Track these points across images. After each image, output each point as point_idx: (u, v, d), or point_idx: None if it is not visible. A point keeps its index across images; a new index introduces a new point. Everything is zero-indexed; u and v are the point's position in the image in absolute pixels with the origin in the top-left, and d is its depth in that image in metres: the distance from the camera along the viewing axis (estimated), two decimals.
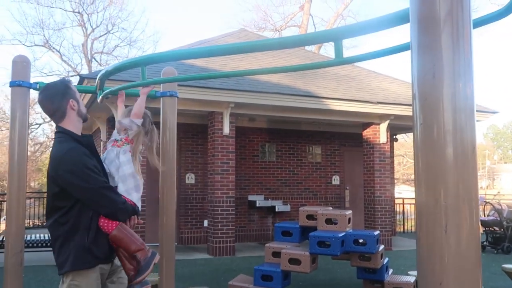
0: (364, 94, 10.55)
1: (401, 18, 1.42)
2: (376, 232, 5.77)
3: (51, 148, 2.68)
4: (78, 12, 26.10)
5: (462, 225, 0.97)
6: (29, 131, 3.76)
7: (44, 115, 21.90)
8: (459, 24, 1.02)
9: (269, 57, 11.47)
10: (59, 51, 26.43)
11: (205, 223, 10.42)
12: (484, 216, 10.98)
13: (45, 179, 2.68)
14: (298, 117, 10.29)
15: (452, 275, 0.95)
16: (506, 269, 6.15)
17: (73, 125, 2.63)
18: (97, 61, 27.25)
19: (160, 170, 2.99)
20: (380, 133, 10.72)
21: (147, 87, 3.07)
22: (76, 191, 2.45)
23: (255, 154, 11.67)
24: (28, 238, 8.13)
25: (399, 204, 15.22)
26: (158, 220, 3.72)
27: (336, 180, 12.53)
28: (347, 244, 5.60)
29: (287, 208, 11.30)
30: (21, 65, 3.41)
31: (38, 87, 3.25)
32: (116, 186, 2.69)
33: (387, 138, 10.84)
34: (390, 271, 6.30)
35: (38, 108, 19.32)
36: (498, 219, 10.42)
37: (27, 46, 25.81)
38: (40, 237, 8.30)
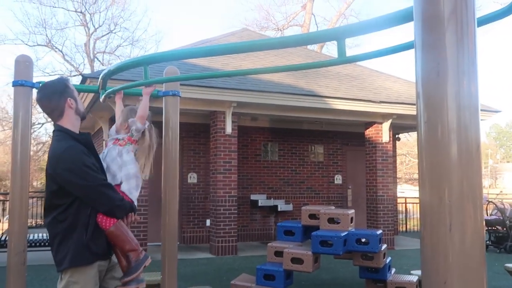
0: (367, 93, 10.53)
1: (404, 17, 1.42)
2: (379, 232, 5.76)
3: (49, 147, 2.69)
4: (81, 12, 26.15)
5: (467, 224, 0.96)
6: (32, 131, 3.76)
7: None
8: (463, 22, 1.02)
9: (271, 56, 11.47)
10: (61, 51, 26.49)
11: (207, 222, 10.42)
12: (487, 215, 10.96)
13: None
14: (300, 116, 10.28)
15: (456, 274, 0.95)
16: (509, 268, 6.13)
17: (71, 123, 2.65)
18: (99, 61, 27.30)
19: (146, 177, 2.98)
20: (382, 132, 10.71)
21: (149, 87, 3.07)
22: (75, 189, 2.47)
23: (257, 153, 11.67)
24: (31, 237, 8.16)
25: (402, 203, 15.20)
26: (160, 219, 3.73)
27: (338, 179, 12.52)
28: (349, 243, 5.59)
29: (290, 207, 11.30)
30: (23, 64, 3.42)
31: None
32: (117, 184, 2.72)
33: (390, 137, 10.82)
34: (393, 270, 6.28)
35: None
36: (501, 218, 10.40)
37: (30, 46, 25.87)
38: (42, 236, 8.32)
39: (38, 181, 28.38)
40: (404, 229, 14.39)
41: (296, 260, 5.53)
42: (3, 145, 28.67)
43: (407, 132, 14.19)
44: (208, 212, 10.38)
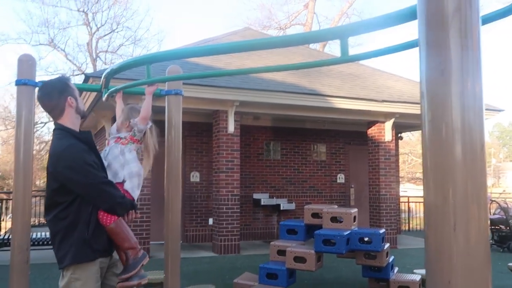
0: (369, 92, 10.52)
1: (408, 15, 1.41)
2: (382, 230, 5.75)
3: (50, 145, 2.71)
4: (83, 11, 26.17)
5: (471, 224, 0.96)
6: (34, 130, 3.77)
7: None
8: (468, 21, 1.01)
9: (273, 55, 11.45)
10: (64, 50, 26.54)
11: (210, 221, 10.42)
12: (490, 214, 10.93)
13: None
14: (303, 115, 10.27)
15: (461, 273, 0.95)
16: None
17: (71, 122, 2.66)
18: (101, 60, 27.33)
19: (144, 174, 3.00)
20: (385, 131, 10.69)
21: (152, 86, 3.07)
22: (76, 186, 2.48)
23: (259, 152, 11.66)
24: (34, 236, 8.17)
25: (404, 202, 15.18)
26: (163, 218, 3.73)
27: (341, 178, 12.51)
28: (352, 242, 5.58)
29: (292, 206, 11.29)
30: (26, 64, 3.42)
31: None
32: (119, 182, 2.74)
33: (392, 136, 10.80)
34: (396, 269, 6.28)
35: None
36: (504, 217, 10.38)
37: (32, 45, 25.97)
38: (46, 235, 8.33)
39: (41, 180, 28.44)
40: (406, 228, 14.38)
41: (299, 259, 5.53)
42: (6, 144, 28.76)
43: (410, 131, 14.18)
44: (210, 211, 10.38)
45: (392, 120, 10.61)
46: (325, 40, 2.04)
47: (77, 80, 23.89)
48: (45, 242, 8.02)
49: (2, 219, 13.28)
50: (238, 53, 9.93)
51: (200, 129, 10.84)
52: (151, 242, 8.77)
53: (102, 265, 2.62)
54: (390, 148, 10.76)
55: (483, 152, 0.98)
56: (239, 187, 9.50)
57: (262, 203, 11.08)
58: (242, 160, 10.34)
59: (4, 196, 17.44)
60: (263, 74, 9.80)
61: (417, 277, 5.94)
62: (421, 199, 16.75)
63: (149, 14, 57.29)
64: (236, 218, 9.33)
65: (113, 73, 2.83)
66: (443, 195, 0.97)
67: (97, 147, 2.76)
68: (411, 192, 24.16)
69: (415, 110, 10.23)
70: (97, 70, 22.72)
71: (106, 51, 27.57)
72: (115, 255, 2.74)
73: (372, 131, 10.90)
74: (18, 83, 3.39)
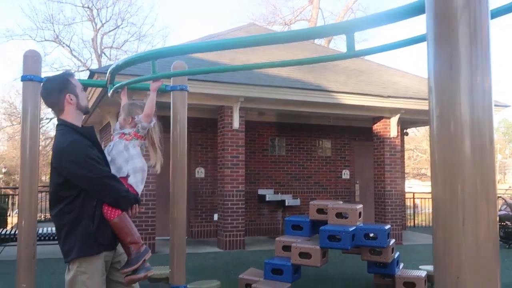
0: (375, 88, 10.48)
1: (415, 9, 1.40)
2: (387, 226, 5.74)
3: (53, 140, 2.74)
4: (88, 7, 26.22)
5: (480, 220, 0.95)
6: (40, 126, 3.79)
7: None
8: (477, 15, 1.00)
9: (278, 51, 11.43)
10: (69, 46, 26.62)
11: (215, 217, 10.44)
12: None
13: None
14: (308, 111, 10.25)
15: (469, 269, 0.94)
16: None
17: (73, 117, 2.69)
18: (106, 56, 27.38)
19: (157, 170, 3.02)
20: (390, 127, 10.65)
21: (157, 82, 3.07)
22: (81, 181, 2.51)
23: (264, 148, 11.66)
24: (40, 231, 8.21)
25: (410, 198, 15.14)
26: (168, 213, 3.73)
27: (346, 174, 12.49)
28: (357, 238, 5.57)
29: (297, 202, 11.29)
30: (32, 59, 3.43)
31: None
32: (122, 177, 2.76)
33: (398, 132, 10.77)
34: (401, 265, 6.27)
35: None
36: (510, 213, 10.33)
37: (38, 41, 26.01)
38: (52, 230, 8.37)
39: (47, 176, 28.56)
40: (412, 224, 14.35)
41: (304, 255, 5.53)
42: (12, 140, 28.89)
43: (415, 127, 14.11)
44: (215, 207, 10.40)
45: (397, 116, 10.57)
46: (331, 35, 2.03)
47: (82, 76, 23.95)
48: (51, 237, 8.06)
49: (8, 214, 13.36)
50: (243, 49, 9.91)
51: (205, 125, 10.85)
52: (156, 238, 8.79)
53: (107, 258, 2.66)
54: (395, 144, 10.73)
55: (492, 147, 0.97)
56: (244, 183, 9.50)
57: (267, 199, 11.08)
58: (247, 156, 10.34)
59: (11, 192, 17.54)
60: (268, 70, 9.79)
61: (423, 273, 5.93)
62: (427, 195, 16.69)
63: (153, 10, 57.18)
64: (241, 214, 9.34)
65: (118, 69, 2.83)
66: (451, 190, 0.96)
67: (102, 143, 2.78)
68: (416, 188, 24.12)
69: (420, 105, 10.18)
70: (102, 66, 22.77)
71: (111, 47, 27.63)
72: (119, 249, 2.78)
73: (377, 127, 10.87)
74: (24, 79, 3.39)
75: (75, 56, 26.88)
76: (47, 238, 8.08)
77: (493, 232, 0.96)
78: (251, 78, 9.31)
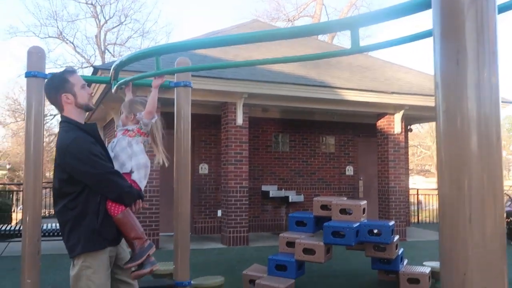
0: (379, 84, 10.44)
1: (421, 5, 1.39)
2: (391, 223, 5.73)
3: (57, 137, 2.75)
4: (91, 4, 26.21)
5: (487, 216, 0.94)
6: (44, 122, 3.81)
7: None
8: (484, 10, 0.99)
9: (282, 47, 11.40)
10: (72, 43, 26.62)
11: (219, 213, 10.45)
12: None
13: None
14: (311, 107, 10.23)
15: (476, 266, 0.93)
16: None
17: (75, 115, 2.70)
18: (110, 53, 27.39)
19: (166, 164, 3.04)
20: (394, 124, 10.62)
21: (158, 79, 3.08)
22: (84, 177, 2.53)
23: (268, 144, 11.65)
24: (44, 227, 8.24)
25: (414, 194, 15.12)
26: (172, 209, 3.74)
27: (349, 170, 12.47)
28: (361, 234, 5.57)
29: (301, 198, 11.28)
30: (36, 56, 3.43)
31: None
32: (126, 173, 2.78)
33: (402, 128, 10.73)
34: (405, 261, 6.26)
35: None
36: None
37: (41, 38, 26.03)
38: (56, 226, 8.39)
39: (51, 172, 28.64)
40: (416, 220, 14.33)
41: (308, 251, 5.53)
42: (16, 136, 28.98)
43: (420, 123, 14.08)
44: (219, 203, 10.41)
45: (401, 112, 10.54)
46: (335, 31, 2.02)
47: (86, 72, 23.96)
48: (56, 233, 8.09)
49: (13, 210, 13.42)
50: (246, 45, 9.90)
51: (209, 121, 10.85)
52: (160, 234, 8.81)
53: (111, 253, 2.68)
54: (399, 140, 10.70)
55: (499, 143, 0.96)
56: (247, 179, 9.50)
57: (270, 195, 11.09)
58: (250, 152, 10.34)
59: (15, 188, 17.61)
60: (272, 66, 9.77)
61: (427, 270, 5.91)
62: (431, 192, 16.66)
63: (157, 6, 57.23)
64: (244, 210, 9.35)
65: (122, 65, 2.83)
66: (458, 186, 0.95)
67: (105, 139, 2.79)
68: (420, 184, 24.07)
69: (425, 102, 10.15)
70: (106, 62, 22.79)
71: (115, 44, 27.63)
72: (122, 244, 2.80)
73: (381, 123, 10.84)
74: (28, 75, 3.40)
75: (78, 53, 26.91)
76: (51, 234, 8.10)
77: (500, 228, 0.96)
78: (255, 75, 9.29)
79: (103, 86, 8.65)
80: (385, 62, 13.15)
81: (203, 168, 10.93)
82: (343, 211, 5.74)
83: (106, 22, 26.85)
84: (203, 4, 65.47)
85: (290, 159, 11.82)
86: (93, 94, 9.56)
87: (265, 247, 8.99)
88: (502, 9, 1.75)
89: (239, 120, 9.34)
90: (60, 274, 6.38)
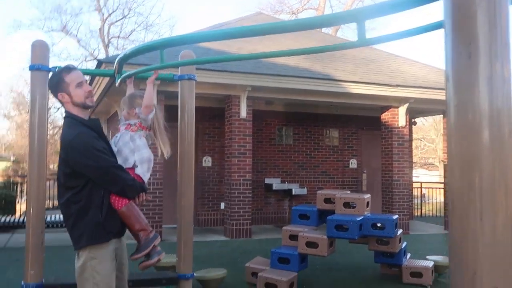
0: (383, 77, 10.39)
1: None
2: (395, 216, 5.72)
3: (61, 132, 2.79)
4: None
5: (498, 212, 0.92)
6: (48, 115, 3.81)
7: None
8: (496, 1, 0.97)
9: (286, 40, 11.34)
10: (76, 36, 26.62)
11: (222, 205, 10.47)
12: None
13: None
14: (315, 100, 10.20)
15: (487, 264, 0.92)
16: None
17: (76, 111, 2.73)
18: (113, 46, 27.36)
19: (165, 156, 3.04)
20: (398, 117, 10.57)
21: (152, 75, 3.13)
22: (88, 171, 2.56)
23: (272, 137, 11.64)
24: (48, 219, 8.27)
25: (417, 188, 15.09)
26: (175, 201, 3.73)
27: (353, 163, 12.45)
28: (365, 228, 5.56)
29: (304, 191, 11.28)
30: (40, 49, 3.42)
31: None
32: (129, 168, 2.80)
33: (406, 121, 10.69)
34: (408, 255, 6.25)
35: None
36: None
37: (45, 32, 26.08)
38: (60, 217, 8.43)
39: (55, 164, 28.75)
40: (419, 214, 14.32)
41: (311, 244, 5.53)
42: (20, 129, 29.07)
43: (424, 116, 14.01)
44: (222, 196, 10.42)
45: (406, 105, 10.49)
46: (341, 23, 1.99)
47: (90, 65, 23.96)
48: (60, 225, 8.12)
49: (17, 201, 13.49)
50: (250, 38, 9.85)
51: (213, 114, 10.83)
52: (163, 226, 8.83)
53: (116, 245, 2.72)
54: (403, 133, 10.66)
55: (511, 137, 0.94)
56: (251, 172, 9.50)
57: (274, 188, 11.09)
58: (254, 145, 10.33)
59: (19, 180, 17.68)
60: (276, 59, 9.72)
61: (430, 263, 5.91)
62: (434, 185, 16.61)
63: None
64: (247, 203, 9.36)
65: (126, 58, 2.81)
66: (469, 181, 0.94)
67: (110, 133, 2.81)
68: (423, 177, 24.03)
69: (429, 95, 10.09)
70: (109, 55, 22.76)
71: (118, 37, 27.61)
72: (124, 242, 2.83)
73: (385, 116, 10.80)
74: (32, 68, 3.39)
75: (82, 46, 26.97)
76: (55, 225, 8.14)
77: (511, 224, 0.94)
78: (259, 67, 9.26)
79: (106, 79, 8.64)
80: (390, 55, 13.08)
81: (207, 161, 10.94)
82: (346, 204, 5.73)
83: (109, 15, 26.82)
84: None
85: (293, 152, 11.81)
86: (96, 88, 9.48)
87: (268, 240, 9.00)
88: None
89: (243, 113, 9.32)
90: (64, 265, 6.40)
